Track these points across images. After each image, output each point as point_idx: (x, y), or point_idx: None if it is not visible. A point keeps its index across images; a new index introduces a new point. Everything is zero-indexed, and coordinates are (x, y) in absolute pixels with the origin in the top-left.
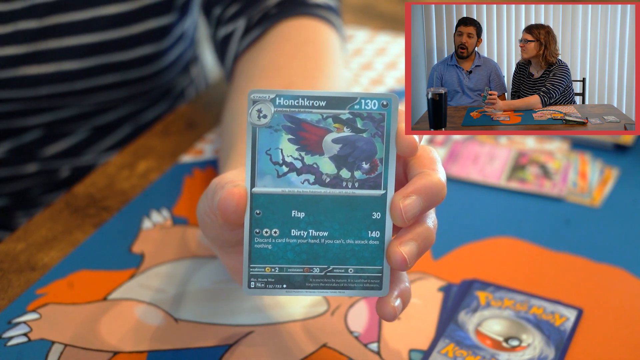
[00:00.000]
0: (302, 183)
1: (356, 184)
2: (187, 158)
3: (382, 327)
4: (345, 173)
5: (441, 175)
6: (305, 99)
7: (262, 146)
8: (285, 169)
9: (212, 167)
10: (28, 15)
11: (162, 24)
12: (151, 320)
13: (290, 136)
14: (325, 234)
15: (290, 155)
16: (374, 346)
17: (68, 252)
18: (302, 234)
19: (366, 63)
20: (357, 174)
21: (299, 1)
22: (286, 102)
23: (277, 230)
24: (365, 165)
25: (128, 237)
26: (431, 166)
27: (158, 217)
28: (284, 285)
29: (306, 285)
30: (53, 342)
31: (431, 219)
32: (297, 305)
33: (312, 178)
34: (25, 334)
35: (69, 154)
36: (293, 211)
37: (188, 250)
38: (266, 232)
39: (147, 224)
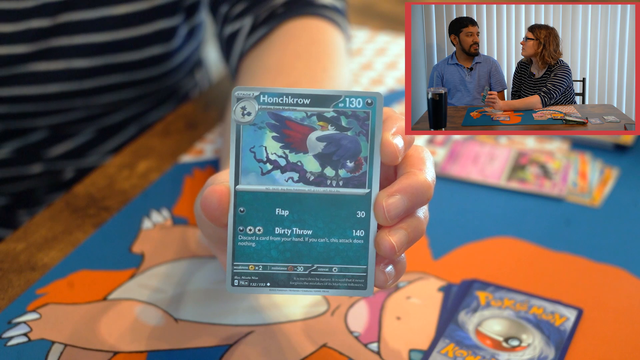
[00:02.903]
0: (286, 181)
1: (340, 183)
2: (187, 158)
3: (382, 327)
4: (329, 171)
5: (428, 176)
6: (290, 97)
7: (246, 144)
8: (269, 166)
9: (212, 167)
10: (40, 13)
11: (171, 24)
12: (151, 320)
13: (274, 134)
14: (310, 232)
15: (275, 153)
16: (374, 346)
17: (68, 252)
18: (286, 232)
19: (366, 63)
20: (342, 172)
21: (305, 1)
22: (270, 100)
23: (260, 228)
24: (350, 164)
25: (128, 237)
26: (419, 166)
27: (158, 217)
28: (268, 284)
29: (290, 284)
30: (53, 342)
31: (422, 211)
32: (296, 305)
33: (296, 176)
34: (25, 334)
35: (74, 155)
36: (277, 209)
37: (188, 250)
38: (250, 230)
39: (147, 224)
